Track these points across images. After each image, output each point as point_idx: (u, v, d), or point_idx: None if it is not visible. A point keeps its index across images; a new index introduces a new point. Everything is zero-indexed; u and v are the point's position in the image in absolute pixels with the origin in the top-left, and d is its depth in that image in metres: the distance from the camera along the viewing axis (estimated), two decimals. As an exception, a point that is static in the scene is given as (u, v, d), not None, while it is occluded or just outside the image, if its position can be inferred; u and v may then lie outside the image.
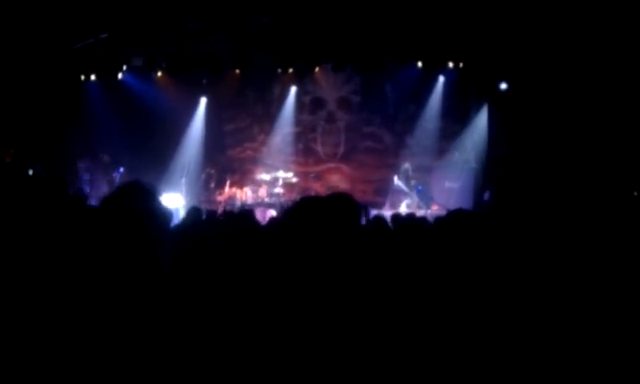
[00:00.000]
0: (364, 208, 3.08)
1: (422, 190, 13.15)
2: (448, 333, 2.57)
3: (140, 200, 2.40)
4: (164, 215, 2.52)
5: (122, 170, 13.54)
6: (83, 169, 14.06)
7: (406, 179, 13.23)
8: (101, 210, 2.45)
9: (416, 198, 12.98)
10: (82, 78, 13.65)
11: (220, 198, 13.97)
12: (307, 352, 2.24)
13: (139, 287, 2.28)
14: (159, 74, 13.86)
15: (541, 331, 2.75)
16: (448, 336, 2.57)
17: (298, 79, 14.62)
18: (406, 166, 13.41)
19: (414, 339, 2.50)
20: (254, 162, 15.11)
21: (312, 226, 2.51)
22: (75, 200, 5.82)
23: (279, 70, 13.68)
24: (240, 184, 14.48)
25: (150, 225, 2.39)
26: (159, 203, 2.51)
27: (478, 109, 13.44)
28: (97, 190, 13.11)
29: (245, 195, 13.93)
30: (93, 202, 10.23)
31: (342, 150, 14.97)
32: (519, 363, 2.56)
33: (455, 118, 14.00)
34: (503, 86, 12.58)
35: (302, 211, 2.58)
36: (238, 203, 13.49)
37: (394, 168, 13.79)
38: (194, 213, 6.83)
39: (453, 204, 12.07)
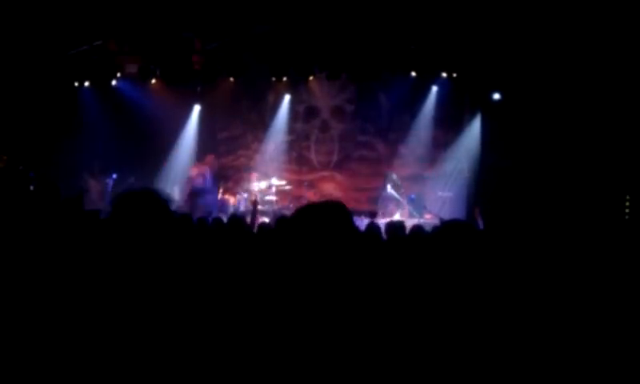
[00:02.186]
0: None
1: (415, 199, 13.18)
2: (439, 341, 2.58)
3: (154, 209, 2.38)
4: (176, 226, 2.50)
5: (115, 176, 13.51)
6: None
7: (395, 188, 13.28)
8: (113, 215, 2.42)
9: (408, 207, 13.01)
10: (76, 84, 13.64)
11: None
12: (302, 358, 2.24)
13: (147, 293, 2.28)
14: (153, 81, 13.85)
15: (534, 338, 2.76)
16: (440, 344, 2.57)
17: (292, 88, 14.65)
18: (393, 176, 13.47)
19: (406, 347, 2.50)
20: (248, 169, 15.11)
21: (305, 232, 2.52)
22: (69, 204, 5.80)
23: (273, 79, 13.71)
24: (233, 191, 14.48)
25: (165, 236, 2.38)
26: (172, 214, 2.49)
27: (471, 118, 13.49)
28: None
29: (238, 202, 13.93)
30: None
31: (335, 158, 14.99)
32: (517, 372, 2.57)
33: (448, 128, 14.04)
34: (496, 96, 12.63)
35: (297, 220, 2.58)
36: (231, 210, 13.48)
37: (388, 177, 13.83)
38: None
39: (446, 213, 12.12)
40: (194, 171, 13.76)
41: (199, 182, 13.43)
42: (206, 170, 13.86)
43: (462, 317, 2.66)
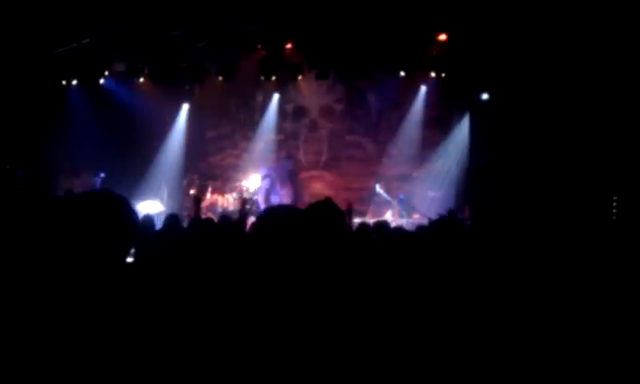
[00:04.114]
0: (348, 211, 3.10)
1: (404, 199, 13.19)
2: (430, 337, 2.58)
3: (108, 209, 2.36)
4: (131, 227, 2.46)
5: (102, 175, 13.45)
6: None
7: (386, 188, 13.33)
8: (67, 211, 2.40)
9: (397, 207, 13.03)
10: (64, 82, 13.55)
11: (201, 205, 13.93)
12: (293, 358, 2.23)
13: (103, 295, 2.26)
14: (141, 79, 13.77)
15: (522, 334, 2.76)
16: (432, 341, 2.57)
17: (281, 87, 14.61)
18: (385, 176, 13.56)
19: (395, 346, 2.50)
20: (236, 168, 15.10)
21: (295, 233, 2.51)
22: (54, 201, 5.76)
23: (262, 78, 13.65)
24: (221, 191, 14.45)
25: (115, 234, 2.35)
26: (129, 215, 2.45)
27: (459, 118, 13.52)
28: None
29: (226, 202, 13.90)
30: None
31: (324, 158, 14.98)
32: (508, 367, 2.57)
33: (437, 128, 14.07)
34: (484, 96, 12.66)
35: (270, 220, 2.57)
36: (220, 210, 13.45)
37: (376, 176, 13.87)
38: (171, 220, 6.79)
39: (434, 213, 12.14)
40: (263, 172, 13.68)
41: (265, 184, 13.38)
42: (272, 172, 13.73)
43: (451, 314, 2.66)
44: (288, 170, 13.76)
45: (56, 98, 13.59)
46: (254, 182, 14.19)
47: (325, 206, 2.69)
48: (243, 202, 10.81)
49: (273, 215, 2.58)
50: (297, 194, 13.84)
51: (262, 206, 12.54)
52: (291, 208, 2.63)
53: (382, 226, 7.11)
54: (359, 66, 12.71)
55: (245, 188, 13.93)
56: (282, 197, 13.60)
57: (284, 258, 2.41)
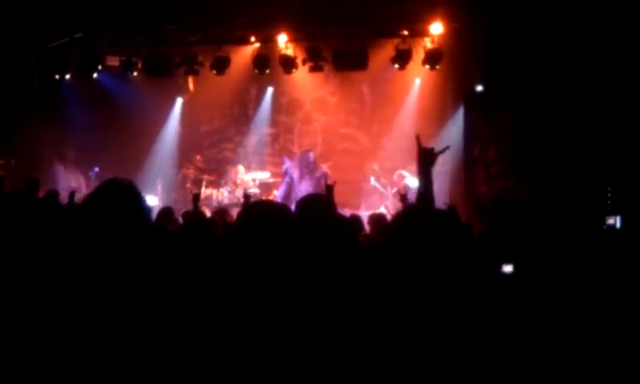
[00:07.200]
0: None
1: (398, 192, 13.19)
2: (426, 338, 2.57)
3: (122, 199, 2.35)
4: (146, 214, 2.47)
5: (97, 169, 13.43)
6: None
7: (381, 181, 13.31)
8: (80, 211, 2.40)
9: (392, 199, 13.03)
10: (57, 77, 13.47)
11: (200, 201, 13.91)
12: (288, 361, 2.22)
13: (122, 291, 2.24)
14: (135, 73, 13.68)
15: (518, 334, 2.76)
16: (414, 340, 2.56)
17: (275, 80, 14.55)
18: (375, 167, 13.51)
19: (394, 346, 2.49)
20: (231, 162, 15.07)
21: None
22: (48, 200, 5.76)
23: (256, 71, 13.55)
24: (216, 184, 14.44)
25: (133, 225, 2.34)
26: (141, 201, 2.45)
27: (454, 110, 13.49)
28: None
29: (221, 195, 13.89)
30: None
31: (318, 151, 14.96)
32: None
33: (431, 120, 14.02)
34: (479, 88, 12.64)
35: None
36: (214, 203, 13.45)
37: (371, 169, 13.85)
38: (165, 213, 6.81)
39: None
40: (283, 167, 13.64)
41: (286, 179, 13.33)
42: (291, 166, 13.66)
43: (447, 312, 2.65)
44: (308, 163, 13.63)
45: (49, 93, 13.51)
46: (244, 175, 14.16)
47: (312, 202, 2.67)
48: (246, 197, 10.66)
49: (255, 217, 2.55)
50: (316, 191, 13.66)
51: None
52: (275, 207, 2.60)
53: (379, 218, 7.14)
54: (353, 57, 12.63)
55: (240, 181, 13.93)
56: (300, 192, 13.45)
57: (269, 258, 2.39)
